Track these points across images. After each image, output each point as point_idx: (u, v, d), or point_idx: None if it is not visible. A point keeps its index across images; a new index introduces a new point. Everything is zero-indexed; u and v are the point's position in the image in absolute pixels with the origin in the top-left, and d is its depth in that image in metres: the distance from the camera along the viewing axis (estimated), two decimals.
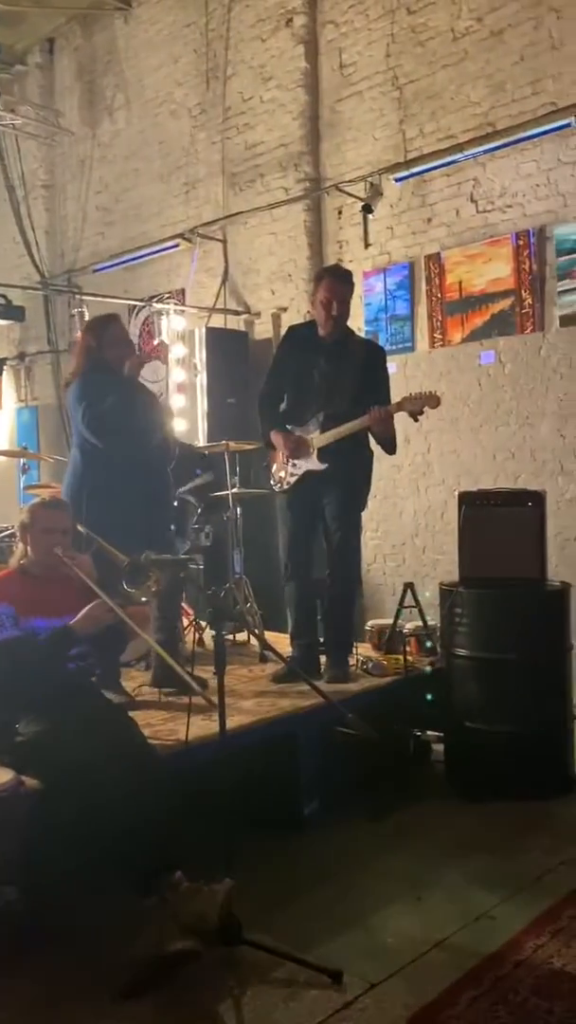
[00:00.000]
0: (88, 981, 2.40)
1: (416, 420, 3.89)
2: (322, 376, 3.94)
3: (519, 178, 5.41)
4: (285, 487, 4.01)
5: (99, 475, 3.72)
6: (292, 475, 3.97)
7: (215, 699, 2.66)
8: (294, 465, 3.95)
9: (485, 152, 5.50)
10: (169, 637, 3.86)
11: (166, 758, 2.88)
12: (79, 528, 3.37)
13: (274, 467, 4.07)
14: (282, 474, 4.01)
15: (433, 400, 3.78)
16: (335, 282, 3.93)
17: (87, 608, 2.90)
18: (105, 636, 3.06)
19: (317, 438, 3.91)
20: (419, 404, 3.78)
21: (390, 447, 3.95)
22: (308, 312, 6.32)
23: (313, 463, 3.92)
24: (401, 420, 3.89)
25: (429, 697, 3.93)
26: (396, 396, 4.00)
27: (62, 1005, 2.33)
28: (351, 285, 4.02)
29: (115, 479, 3.69)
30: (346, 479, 3.94)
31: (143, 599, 3.01)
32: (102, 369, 3.79)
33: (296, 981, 2.38)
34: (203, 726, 3.12)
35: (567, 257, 5.19)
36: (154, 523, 3.83)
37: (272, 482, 4.09)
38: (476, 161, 5.58)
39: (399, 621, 4.32)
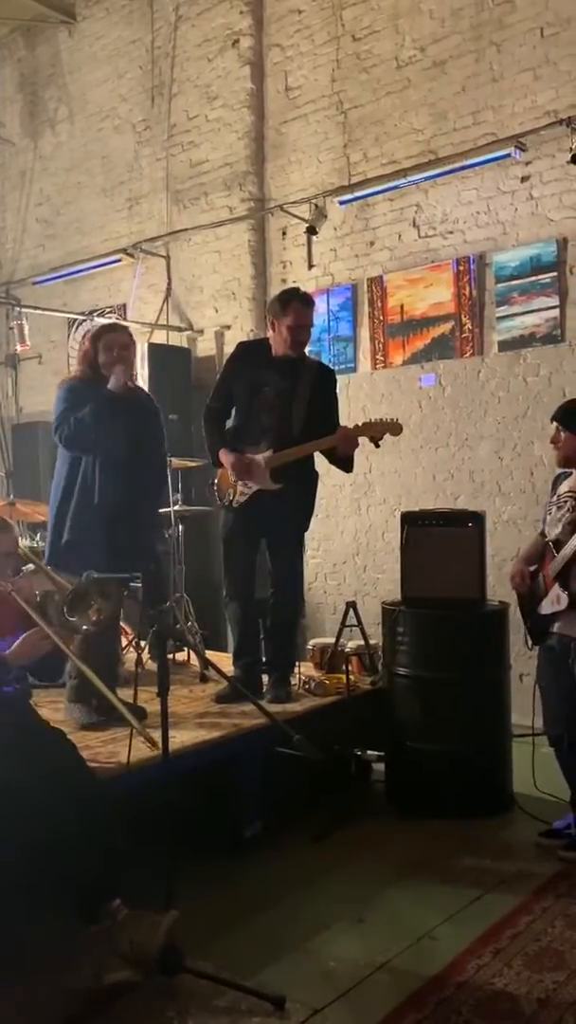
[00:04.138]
0: (23, 1014, 2.32)
1: (377, 446, 3.86)
2: (276, 394, 3.89)
3: (460, 205, 5.53)
4: (235, 505, 3.93)
5: (79, 487, 3.60)
6: (243, 493, 3.89)
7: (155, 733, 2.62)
8: (246, 484, 3.88)
9: (427, 179, 5.61)
10: (108, 653, 3.77)
11: (105, 781, 2.82)
12: (20, 551, 3.26)
13: (222, 484, 3.99)
14: (232, 492, 3.94)
15: (396, 428, 3.79)
16: (303, 307, 3.89)
17: (24, 636, 2.78)
18: (42, 663, 2.96)
19: (270, 457, 3.83)
20: (380, 430, 3.78)
21: (348, 466, 3.96)
22: (252, 331, 6.35)
23: (266, 482, 3.85)
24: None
25: None
26: (341, 418, 4.03)
27: None
28: (313, 309, 4.00)
29: (92, 492, 3.57)
30: (296, 499, 3.92)
31: (84, 627, 2.92)
32: (92, 377, 3.69)
33: (238, 1009, 2.33)
34: (144, 748, 3.05)
35: (505, 284, 5.32)
36: (135, 537, 3.68)
37: (220, 499, 4.00)
38: (418, 187, 5.68)
39: (340, 640, 4.33)
